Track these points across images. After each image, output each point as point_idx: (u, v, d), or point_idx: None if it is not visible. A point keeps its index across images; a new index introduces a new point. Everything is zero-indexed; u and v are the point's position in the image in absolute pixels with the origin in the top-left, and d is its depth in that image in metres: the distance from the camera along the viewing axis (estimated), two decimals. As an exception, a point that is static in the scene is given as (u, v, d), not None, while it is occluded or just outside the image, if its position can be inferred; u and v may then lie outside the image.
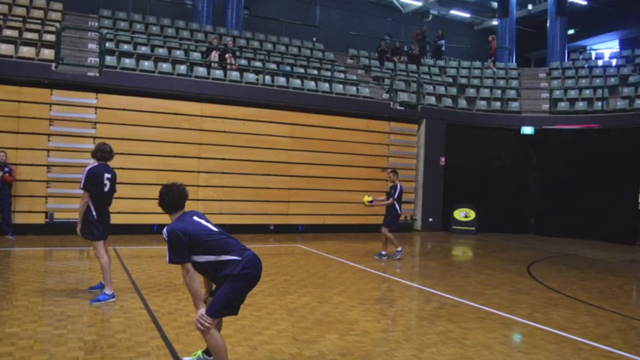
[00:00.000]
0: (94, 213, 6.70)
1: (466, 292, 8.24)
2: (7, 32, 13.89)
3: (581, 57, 22.78)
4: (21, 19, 14.79)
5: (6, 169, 11.39)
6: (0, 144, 11.67)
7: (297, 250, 12.19)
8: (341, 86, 16.77)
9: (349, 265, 10.29)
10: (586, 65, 20.96)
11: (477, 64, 22.13)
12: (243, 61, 16.46)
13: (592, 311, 7.40)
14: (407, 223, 16.75)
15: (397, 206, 11.28)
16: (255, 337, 5.54)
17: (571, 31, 26.48)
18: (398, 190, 11.24)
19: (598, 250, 14.38)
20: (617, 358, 5.44)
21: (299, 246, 12.71)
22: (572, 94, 18.90)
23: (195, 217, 4.27)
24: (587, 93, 18.63)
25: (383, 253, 11.31)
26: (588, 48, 28.18)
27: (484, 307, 7.29)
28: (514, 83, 20.45)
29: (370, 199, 11.14)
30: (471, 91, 19.79)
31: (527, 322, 6.65)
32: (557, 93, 19.23)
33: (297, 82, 16.03)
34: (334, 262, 10.65)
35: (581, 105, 18.24)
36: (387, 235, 11.25)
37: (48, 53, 13.23)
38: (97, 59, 13.85)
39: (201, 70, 14.77)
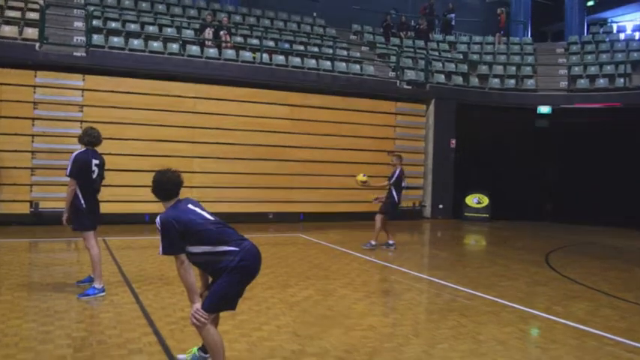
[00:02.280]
0: (83, 201, 6.67)
1: (479, 284, 8.20)
2: (-13, 10, 13.79)
3: (601, 30, 22.56)
4: (1, -5, 14.66)
5: (-13, 156, 11.38)
6: (-19, 129, 11.66)
7: (299, 239, 12.18)
8: (344, 64, 16.64)
9: (354, 256, 10.27)
10: (607, 39, 20.75)
11: (490, 39, 21.91)
12: (239, 39, 16.32)
13: (615, 304, 7.36)
14: (415, 210, 16.74)
15: (394, 193, 11.04)
16: (254, 333, 5.52)
17: (590, 3, 26.16)
18: (395, 175, 11.04)
19: (621, 238, 14.36)
20: (642, 352, 5.41)
21: (300, 235, 12.70)
22: (592, 70, 18.73)
23: (190, 205, 4.23)
24: (608, 69, 18.46)
25: (390, 242, 11.24)
26: (609, 20, 27.78)
27: (499, 300, 7.25)
28: (529, 59, 20.25)
29: (365, 179, 10.86)
30: (484, 68, 19.63)
31: (546, 315, 6.61)
32: (576, 69, 19.06)
33: (296, 61, 15.91)
34: (338, 252, 10.63)
35: (601, 82, 18.08)
36: (377, 222, 11.03)
37: (31, 32, 13.12)
38: (84, 38, 13.73)
39: (194, 49, 14.65)
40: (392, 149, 15.81)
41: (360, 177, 10.95)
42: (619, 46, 19.81)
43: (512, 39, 22.18)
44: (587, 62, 19.36)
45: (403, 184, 11.30)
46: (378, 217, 11.11)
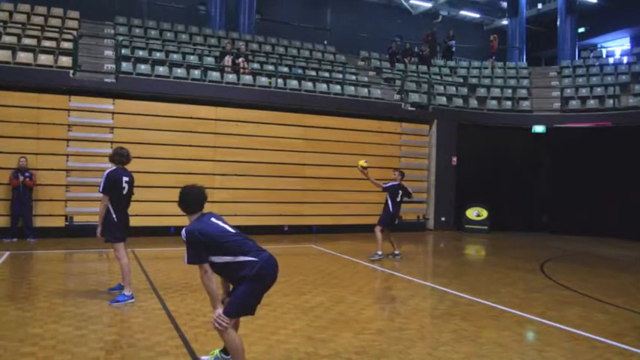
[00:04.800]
0: (114, 215, 6.76)
1: (479, 291, 8.19)
2: (26, 41, 14.07)
3: (592, 55, 22.55)
4: (39, 27, 14.97)
5: (27, 174, 11.56)
6: (21, 150, 11.84)
7: (312, 250, 12.21)
8: (352, 88, 16.75)
9: (363, 265, 10.28)
10: (597, 63, 20.75)
11: (488, 63, 21.97)
12: (256, 65, 16.50)
13: (606, 309, 7.33)
14: (419, 222, 16.72)
15: (390, 205, 11.02)
16: (271, 336, 5.56)
17: (581, 30, 26.23)
18: (389, 183, 11.09)
19: (612, 248, 14.23)
20: (631, 355, 5.38)
21: (313, 246, 12.73)
22: (584, 92, 18.73)
23: (213, 219, 4.28)
24: (599, 91, 18.44)
25: (396, 252, 11.24)
26: (599, 46, 27.86)
27: (497, 306, 7.24)
28: (525, 82, 20.30)
29: (366, 165, 10.68)
30: (482, 91, 19.68)
31: (541, 320, 6.60)
32: (569, 91, 19.06)
33: (309, 85, 16.05)
34: (348, 261, 10.65)
35: (592, 103, 18.07)
36: (377, 233, 11.04)
37: (66, 61, 13.38)
38: (114, 66, 13.99)
39: (214, 75, 14.85)
40: (397, 167, 15.77)
41: (362, 162, 10.75)
42: (608, 70, 19.81)
43: (508, 63, 22.26)
44: (578, 85, 19.35)
45: (398, 199, 11.17)
46: (377, 229, 11.10)
